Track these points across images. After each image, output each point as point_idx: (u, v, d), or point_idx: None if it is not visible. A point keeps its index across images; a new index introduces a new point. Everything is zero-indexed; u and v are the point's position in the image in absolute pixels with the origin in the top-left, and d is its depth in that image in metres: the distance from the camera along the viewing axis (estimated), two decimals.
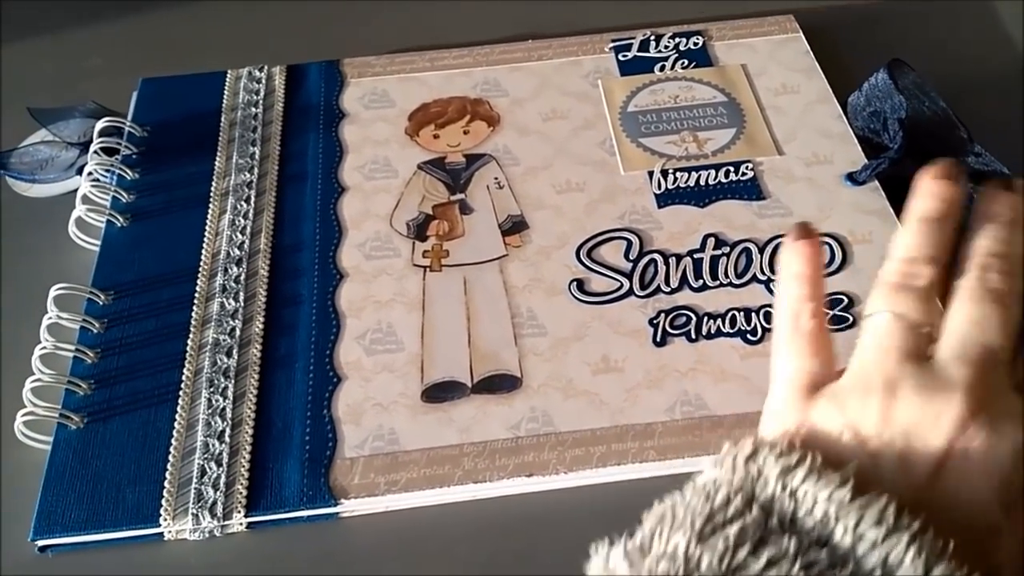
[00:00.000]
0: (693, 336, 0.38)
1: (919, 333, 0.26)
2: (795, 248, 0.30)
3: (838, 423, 0.25)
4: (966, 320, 0.26)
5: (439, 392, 0.37)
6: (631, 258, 0.41)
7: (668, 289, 0.39)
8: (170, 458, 0.35)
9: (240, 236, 0.42)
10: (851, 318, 0.38)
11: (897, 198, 0.42)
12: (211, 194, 0.44)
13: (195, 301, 0.40)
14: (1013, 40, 0.52)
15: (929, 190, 0.29)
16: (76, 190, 0.45)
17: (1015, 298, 0.27)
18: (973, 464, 0.24)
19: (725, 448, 0.25)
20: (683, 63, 0.49)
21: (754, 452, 0.24)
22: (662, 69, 0.49)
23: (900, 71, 0.45)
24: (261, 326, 0.39)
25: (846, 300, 0.39)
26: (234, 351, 0.38)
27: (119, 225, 0.43)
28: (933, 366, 0.25)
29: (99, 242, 0.43)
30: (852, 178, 0.43)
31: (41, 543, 0.34)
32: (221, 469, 0.35)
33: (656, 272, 0.40)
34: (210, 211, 0.43)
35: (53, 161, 0.49)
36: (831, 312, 0.38)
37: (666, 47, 0.50)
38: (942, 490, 0.24)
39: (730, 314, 0.38)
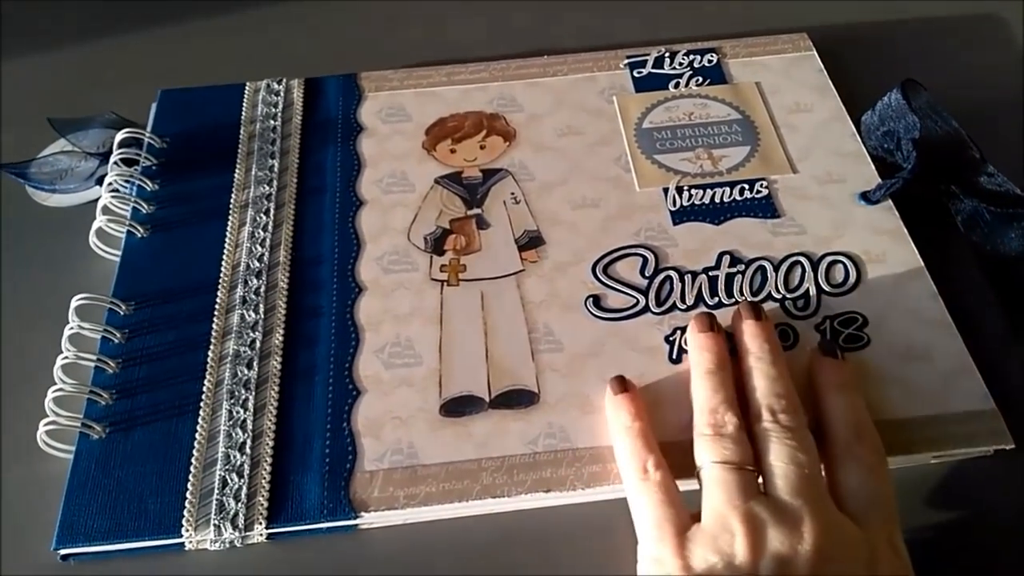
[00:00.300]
0: None
1: (745, 471, 0.31)
2: (617, 403, 0.35)
3: (714, 560, 0.29)
4: (782, 461, 0.31)
5: (457, 407, 0.37)
6: (647, 275, 0.41)
7: (684, 306, 0.40)
8: (192, 469, 0.35)
9: (260, 248, 0.43)
10: (865, 337, 0.38)
11: (911, 217, 0.43)
12: (231, 206, 0.44)
13: (215, 312, 0.40)
14: None
15: (699, 345, 0.36)
16: (95, 200, 0.45)
17: (806, 431, 0.33)
18: None
19: None
20: (697, 80, 0.50)
21: None
22: (676, 86, 0.50)
23: (914, 91, 0.46)
24: (281, 338, 0.39)
25: (860, 319, 0.39)
26: (254, 363, 0.38)
27: (139, 236, 0.44)
28: (775, 502, 0.30)
29: (119, 252, 0.43)
30: (866, 197, 0.43)
31: (63, 552, 0.34)
32: (242, 480, 0.35)
33: (672, 289, 0.40)
34: (230, 223, 0.44)
35: (73, 171, 0.49)
36: (846, 331, 0.39)
37: (680, 64, 0.51)
38: None
39: None
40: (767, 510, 0.30)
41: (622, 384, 0.36)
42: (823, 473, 0.32)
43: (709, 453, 0.32)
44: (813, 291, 0.40)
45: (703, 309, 0.40)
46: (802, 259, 0.41)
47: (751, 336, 0.36)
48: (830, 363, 0.36)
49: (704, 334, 0.36)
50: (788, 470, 0.31)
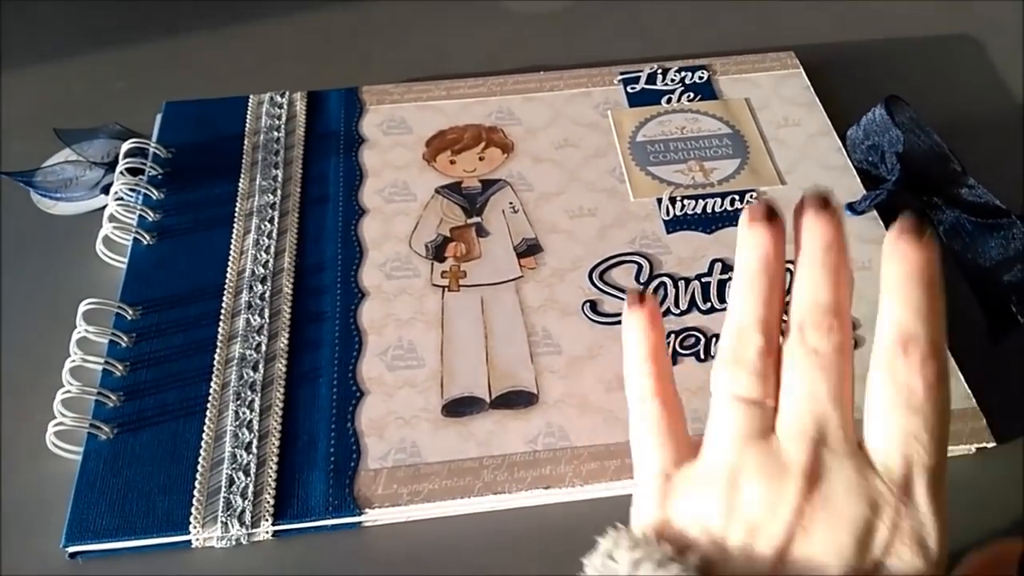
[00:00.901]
0: (702, 356, 0.40)
1: (760, 409, 0.26)
2: (634, 320, 0.30)
3: (688, 515, 0.26)
4: (796, 393, 0.26)
5: (459, 407, 0.38)
6: (641, 281, 0.42)
7: (678, 311, 0.41)
8: (199, 468, 0.36)
9: (264, 255, 0.44)
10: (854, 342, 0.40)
11: None
12: (235, 214, 0.45)
13: (221, 317, 0.41)
14: (1005, 78, 0.54)
15: (742, 241, 0.28)
16: (100, 209, 0.46)
17: (841, 350, 0.26)
18: (814, 547, 0.24)
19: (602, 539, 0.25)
20: (689, 96, 0.51)
21: (614, 545, 0.25)
22: (669, 101, 0.51)
23: (897, 107, 0.47)
24: (286, 342, 0.40)
25: None
26: (260, 365, 0.39)
27: (145, 243, 0.45)
28: (772, 447, 0.26)
29: (125, 259, 0.44)
30: (852, 208, 0.45)
31: (72, 549, 0.35)
32: (249, 479, 0.36)
33: (666, 295, 0.42)
34: (235, 231, 0.45)
35: (78, 180, 0.50)
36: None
37: (672, 80, 0.52)
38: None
39: None
40: (757, 459, 0.25)
41: (638, 297, 0.30)
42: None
43: (720, 381, 0.27)
44: None
45: (693, 311, 0.41)
46: (791, 267, 0.42)
47: (809, 232, 0.27)
48: (904, 241, 0.26)
49: (753, 226, 0.27)
50: (798, 406, 0.26)
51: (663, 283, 0.42)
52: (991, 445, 0.37)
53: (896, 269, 0.26)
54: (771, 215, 0.27)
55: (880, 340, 0.26)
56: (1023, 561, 0.27)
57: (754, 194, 0.46)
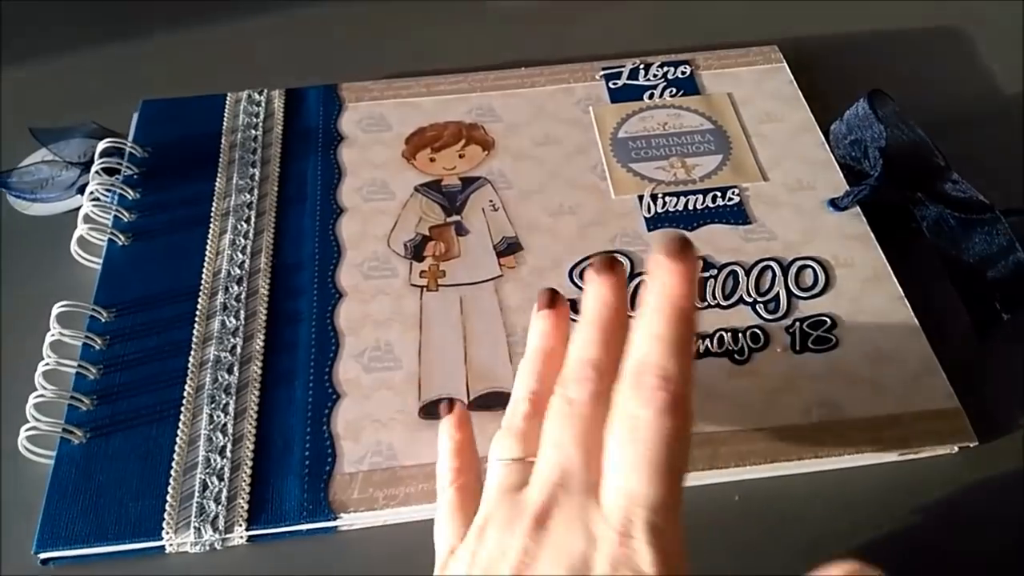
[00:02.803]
0: None
1: (519, 465, 0.28)
2: (443, 424, 0.34)
3: (456, 567, 0.28)
4: (546, 441, 0.27)
5: (436, 409, 0.38)
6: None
7: None
8: (172, 472, 0.36)
9: (240, 255, 0.43)
10: (834, 339, 0.39)
11: (878, 223, 0.44)
12: (212, 214, 0.45)
13: (196, 319, 0.41)
14: (988, 72, 0.54)
15: (531, 326, 0.31)
16: (76, 209, 0.46)
17: (596, 399, 0.26)
18: None
19: None
20: (671, 91, 0.51)
21: None
22: (651, 97, 0.51)
23: (881, 101, 0.47)
24: (262, 344, 0.40)
25: (829, 322, 0.40)
26: (235, 368, 0.39)
27: (120, 244, 0.44)
28: (519, 496, 0.27)
29: (101, 260, 0.44)
30: (834, 204, 0.45)
31: (44, 556, 0.35)
32: (223, 483, 0.35)
33: None
34: (211, 231, 0.44)
35: (53, 180, 0.49)
36: (815, 332, 0.40)
37: (655, 76, 0.52)
38: None
39: (717, 334, 0.40)
40: (503, 508, 0.27)
41: (449, 406, 0.34)
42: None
43: (493, 449, 0.29)
44: (783, 295, 0.41)
45: None
46: (772, 264, 0.42)
47: (588, 293, 0.28)
48: (662, 267, 0.25)
49: (539, 314, 0.31)
50: (545, 453, 0.27)
51: (644, 281, 0.42)
52: (973, 445, 0.36)
53: (650, 296, 0.26)
54: (553, 302, 0.31)
55: (623, 369, 0.26)
56: None
57: (735, 191, 0.46)
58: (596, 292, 0.28)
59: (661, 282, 0.25)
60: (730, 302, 0.41)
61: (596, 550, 0.24)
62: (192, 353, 0.39)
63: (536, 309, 0.31)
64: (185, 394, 0.38)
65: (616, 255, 0.30)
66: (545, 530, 0.25)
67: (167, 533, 0.34)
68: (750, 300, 0.41)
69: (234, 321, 0.41)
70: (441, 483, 0.32)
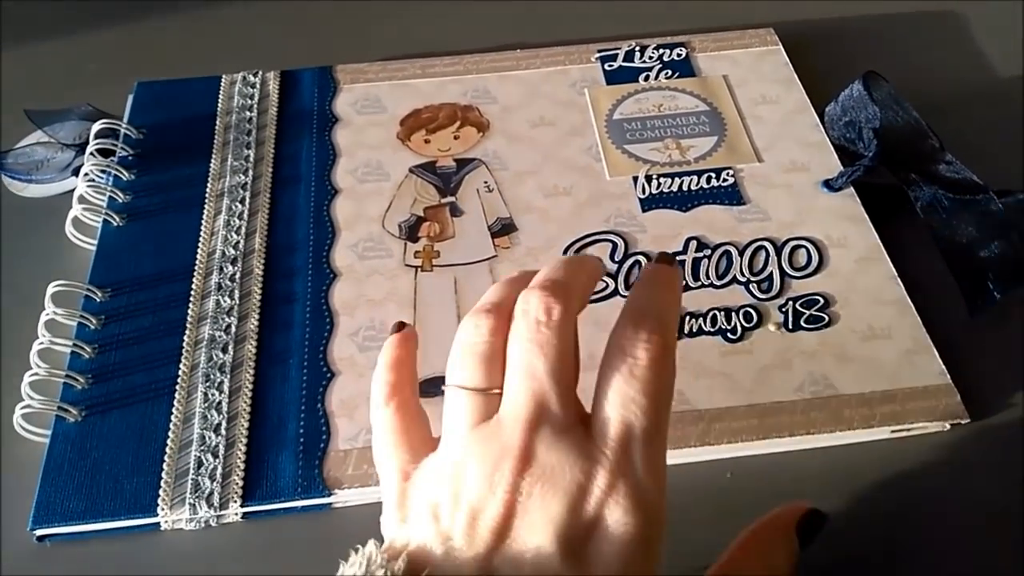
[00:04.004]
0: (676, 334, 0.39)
1: (484, 397, 0.26)
2: (388, 341, 0.31)
3: (422, 507, 0.26)
4: (516, 371, 0.26)
5: (430, 387, 0.38)
6: (616, 259, 0.42)
7: None
8: (167, 450, 0.36)
9: (235, 236, 0.43)
10: (827, 317, 0.40)
11: (872, 204, 0.44)
12: (206, 195, 0.45)
13: (191, 298, 0.41)
14: (983, 53, 0.54)
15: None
16: (72, 191, 0.46)
17: (563, 326, 0.26)
18: (530, 519, 0.24)
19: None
20: (667, 73, 0.51)
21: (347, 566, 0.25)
22: (646, 79, 0.51)
23: (875, 83, 0.47)
24: (256, 323, 0.40)
25: (822, 301, 0.40)
26: (230, 347, 0.39)
27: (115, 224, 0.44)
28: (493, 430, 0.25)
29: (95, 241, 0.44)
30: (829, 185, 0.45)
31: (40, 532, 0.35)
32: (217, 461, 0.36)
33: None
34: (205, 211, 0.44)
35: (49, 162, 0.49)
36: (808, 311, 0.40)
37: (650, 58, 0.52)
38: (505, 554, 0.24)
39: (711, 313, 0.40)
40: (479, 443, 0.25)
41: (399, 326, 0.31)
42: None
43: (451, 370, 0.27)
44: (777, 274, 0.41)
45: None
46: (766, 244, 0.42)
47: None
48: (652, 265, 0.29)
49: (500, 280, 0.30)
50: (517, 384, 0.26)
51: (638, 261, 0.42)
52: (965, 422, 0.37)
53: (646, 276, 0.29)
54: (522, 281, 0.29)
55: (617, 321, 0.27)
56: (803, 524, 0.29)
57: (730, 172, 0.46)
58: (566, 263, 0.28)
59: (655, 269, 0.29)
60: (723, 282, 0.41)
61: (591, 481, 0.24)
62: (187, 332, 0.40)
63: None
64: (180, 373, 0.38)
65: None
66: (533, 466, 0.24)
67: (162, 510, 0.34)
68: (744, 280, 0.41)
69: (228, 301, 0.41)
70: (376, 400, 0.29)
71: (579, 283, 0.28)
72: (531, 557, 0.24)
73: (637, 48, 0.52)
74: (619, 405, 0.25)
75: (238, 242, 0.43)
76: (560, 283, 0.27)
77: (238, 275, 0.42)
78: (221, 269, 0.42)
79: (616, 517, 0.24)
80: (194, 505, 0.34)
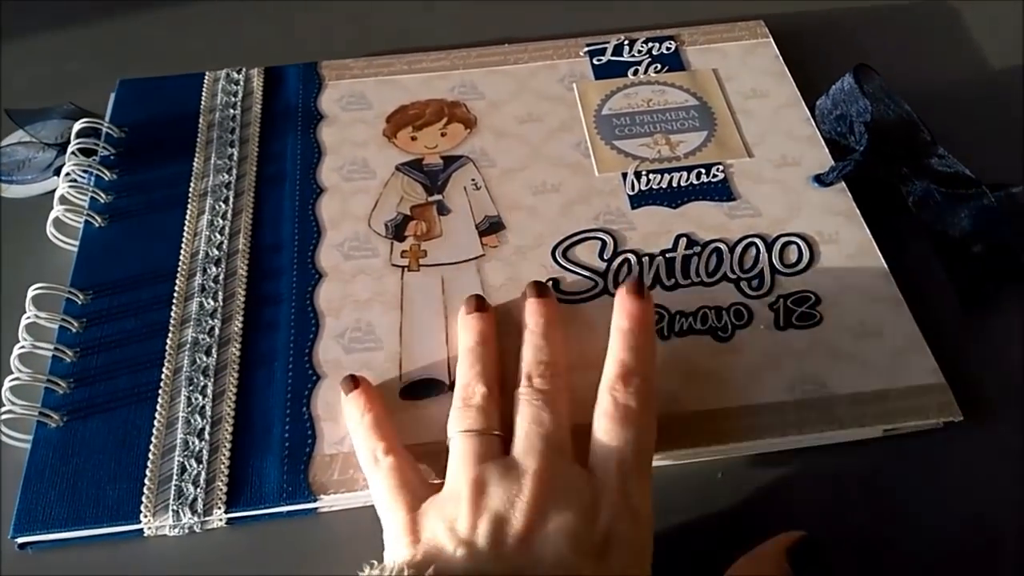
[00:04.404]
0: (665, 333, 0.39)
1: (488, 438, 0.32)
2: (350, 401, 0.35)
3: (440, 527, 0.30)
4: (524, 421, 0.32)
5: (417, 390, 0.37)
6: (605, 258, 0.42)
7: None
8: (150, 455, 0.35)
9: (219, 236, 0.43)
10: (818, 315, 0.39)
11: (863, 199, 0.43)
12: (189, 195, 0.44)
13: (174, 300, 0.40)
14: (976, 45, 0.54)
15: (463, 325, 0.37)
16: (53, 191, 0.45)
17: (560, 392, 0.33)
18: (550, 531, 0.29)
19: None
20: (656, 67, 0.50)
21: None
22: (635, 73, 0.50)
23: (866, 76, 0.47)
24: (240, 325, 0.39)
25: (813, 298, 0.40)
26: (213, 350, 0.38)
27: (97, 225, 0.43)
28: (507, 462, 0.31)
29: (77, 242, 0.43)
30: (819, 179, 0.44)
31: (21, 540, 0.34)
32: (201, 466, 0.35)
33: (630, 271, 0.41)
34: (188, 212, 0.44)
35: (30, 162, 0.49)
36: (799, 309, 0.39)
37: (639, 51, 0.51)
38: (528, 557, 0.29)
39: (701, 312, 0.39)
40: (496, 470, 0.31)
41: (352, 382, 0.36)
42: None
43: (454, 423, 0.33)
44: (767, 271, 0.41)
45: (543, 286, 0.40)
46: (757, 240, 0.42)
47: (529, 312, 0.37)
48: (629, 301, 0.35)
49: (469, 315, 0.37)
50: (528, 429, 0.32)
51: (627, 259, 0.41)
52: (958, 420, 0.36)
53: (621, 319, 0.35)
54: (482, 307, 0.37)
55: (606, 372, 0.34)
56: (794, 551, 0.32)
57: (720, 167, 0.45)
58: (536, 309, 0.37)
59: (627, 309, 0.35)
60: (713, 279, 0.41)
61: (600, 501, 0.30)
62: (170, 335, 0.39)
63: (463, 311, 0.37)
64: (163, 376, 0.38)
65: (542, 282, 0.39)
66: (551, 487, 0.30)
67: (145, 516, 0.34)
68: (734, 277, 0.41)
69: (212, 302, 0.40)
70: (369, 456, 0.33)
71: (562, 358, 0.35)
72: (552, 559, 0.28)
73: (626, 42, 0.52)
74: (617, 448, 0.31)
75: (222, 243, 0.42)
76: (551, 363, 0.34)
77: (222, 276, 0.41)
78: (205, 270, 0.41)
79: (624, 529, 0.30)
80: (177, 512, 0.34)
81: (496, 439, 0.32)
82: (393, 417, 0.35)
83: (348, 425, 0.35)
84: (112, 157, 0.46)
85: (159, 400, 0.37)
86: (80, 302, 0.40)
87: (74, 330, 0.39)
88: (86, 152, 0.46)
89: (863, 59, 0.47)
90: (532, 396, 0.33)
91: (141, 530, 0.34)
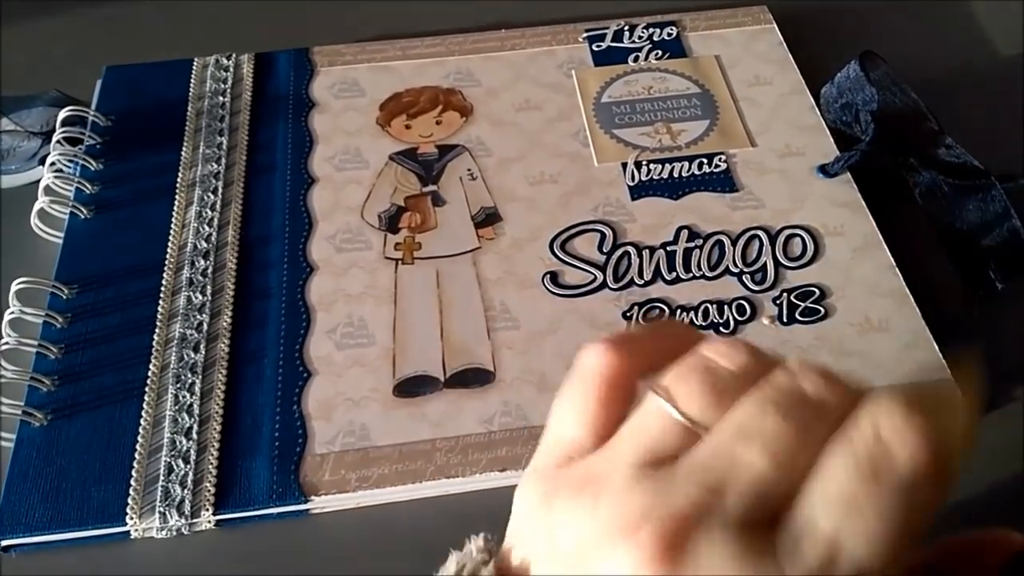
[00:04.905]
0: None
1: (689, 432, 0.19)
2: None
3: (561, 522, 0.20)
4: (737, 422, 0.19)
5: (411, 387, 0.36)
6: (605, 250, 0.40)
7: (641, 282, 0.39)
8: (136, 455, 0.34)
9: (207, 228, 0.41)
10: (823, 310, 0.38)
11: (869, 190, 0.42)
12: (177, 185, 0.43)
13: (161, 295, 0.39)
14: (984, 33, 0.52)
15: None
16: (38, 181, 0.44)
17: (826, 411, 0.19)
18: None
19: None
20: (657, 54, 0.49)
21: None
22: (636, 60, 0.49)
23: (872, 63, 0.45)
24: (229, 320, 0.38)
25: (818, 292, 0.39)
26: (201, 346, 0.37)
27: (83, 217, 0.42)
28: (659, 482, 0.19)
29: (62, 234, 0.42)
30: (824, 170, 0.43)
31: (4, 543, 0.33)
32: (188, 466, 0.34)
33: (630, 265, 0.40)
34: (176, 202, 0.42)
35: (15, 151, 0.47)
36: (803, 304, 0.38)
37: (640, 37, 0.50)
38: None
39: (703, 306, 0.38)
40: (640, 490, 0.19)
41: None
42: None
43: (668, 381, 0.20)
44: (771, 265, 0.40)
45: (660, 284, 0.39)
46: (760, 233, 0.41)
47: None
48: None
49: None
50: (723, 438, 0.19)
51: (627, 252, 0.40)
52: None
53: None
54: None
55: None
56: (1016, 559, 0.23)
57: (723, 157, 0.44)
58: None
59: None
60: (715, 273, 0.40)
61: None
62: (157, 331, 0.38)
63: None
64: (150, 374, 0.37)
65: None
66: (675, 562, 0.18)
67: (131, 519, 0.33)
68: (736, 271, 0.40)
69: (200, 297, 0.39)
70: (589, 360, 0.22)
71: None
72: None
73: (626, 27, 0.50)
74: (835, 514, 0.18)
75: (210, 234, 0.41)
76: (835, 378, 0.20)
77: (210, 269, 0.40)
78: (193, 263, 0.40)
79: None
80: (164, 514, 0.33)
81: (693, 437, 0.20)
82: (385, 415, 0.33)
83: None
84: (98, 146, 0.45)
85: (145, 398, 0.36)
86: (65, 296, 0.39)
87: (59, 325, 0.38)
88: (72, 141, 0.45)
89: (869, 46, 0.46)
90: (780, 393, 0.19)
91: (127, 532, 0.33)
